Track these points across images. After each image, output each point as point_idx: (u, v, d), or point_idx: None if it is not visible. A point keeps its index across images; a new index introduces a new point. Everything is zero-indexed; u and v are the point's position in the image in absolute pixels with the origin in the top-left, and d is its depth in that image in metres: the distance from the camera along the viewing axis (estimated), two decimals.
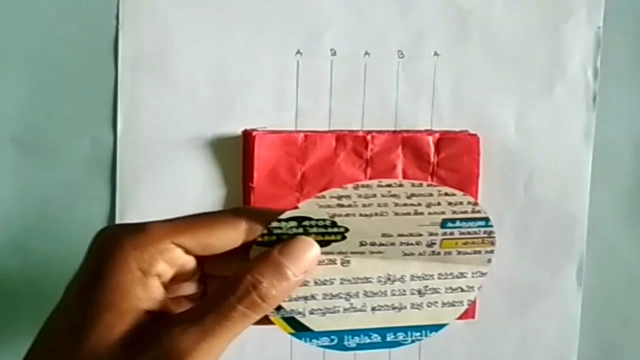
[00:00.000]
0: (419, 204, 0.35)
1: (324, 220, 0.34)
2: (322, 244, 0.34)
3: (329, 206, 0.34)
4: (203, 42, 0.45)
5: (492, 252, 0.36)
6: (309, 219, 0.34)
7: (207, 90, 0.46)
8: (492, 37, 0.49)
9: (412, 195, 0.34)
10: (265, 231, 0.33)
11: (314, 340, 0.35)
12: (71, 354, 0.30)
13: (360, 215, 0.34)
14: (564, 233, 0.51)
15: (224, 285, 0.32)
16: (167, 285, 0.33)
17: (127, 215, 0.45)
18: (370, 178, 0.47)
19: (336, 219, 0.34)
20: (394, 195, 0.34)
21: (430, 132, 0.48)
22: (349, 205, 0.34)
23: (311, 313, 0.35)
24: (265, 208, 0.37)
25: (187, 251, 0.32)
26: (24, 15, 0.43)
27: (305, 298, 0.35)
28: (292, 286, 0.33)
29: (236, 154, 0.46)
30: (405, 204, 0.34)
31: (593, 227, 0.51)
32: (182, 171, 0.46)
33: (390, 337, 0.36)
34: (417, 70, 0.48)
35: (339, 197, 0.34)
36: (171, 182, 0.46)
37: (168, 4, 0.45)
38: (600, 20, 0.50)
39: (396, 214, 0.35)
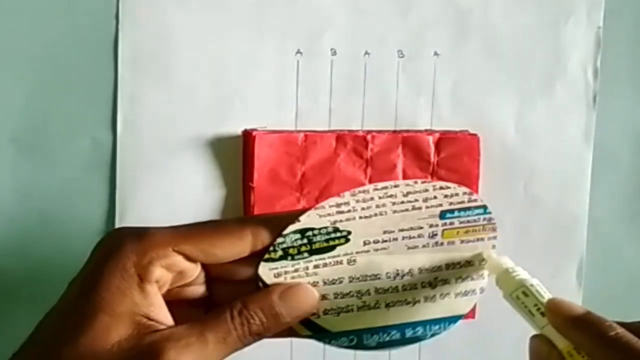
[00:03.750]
0: (416, 200, 0.35)
1: (326, 227, 0.34)
2: (328, 249, 0.35)
3: (329, 215, 0.35)
4: (203, 42, 0.45)
5: (494, 237, 0.36)
6: (312, 229, 0.34)
7: (207, 90, 0.46)
8: (492, 37, 0.49)
9: (408, 193, 0.35)
10: (271, 247, 0.34)
11: (333, 341, 0.35)
12: (66, 351, 0.30)
13: (360, 217, 0.35)
14: (564, 233, 0.51)
15: (226, 307, 0.33)
16: (170, 289, 0.33)
17: (127, 215, 0.45)
18: (371, 178, 0.47)
19: (338, 225, 0.35)
20: (390, 196, 0.35)
21: (430, 132, 0.48)
22: (349, 211, 0.35)
23: (325, 313, 0.35)
24: (271, 215, 0.37)
25: (190, 259, 0.33)
26: (24, 16, 0.43)
27: None
28: (284, 327, 0.34)
29: (236, 154, 0.46)
30: (402, 202, 0.35)
31: (593, 227, 0.51)
32: (182, 171, 0.46)
33: (409, 333, 0.36)
34: (417, 70, 0.48)
35: (338, 205, 0.34)
36: (171, 182, 0.46)
37: (168, 4, 0.45)
38: (600, 20, 0.50)
39: (395, 211, 0.35)
